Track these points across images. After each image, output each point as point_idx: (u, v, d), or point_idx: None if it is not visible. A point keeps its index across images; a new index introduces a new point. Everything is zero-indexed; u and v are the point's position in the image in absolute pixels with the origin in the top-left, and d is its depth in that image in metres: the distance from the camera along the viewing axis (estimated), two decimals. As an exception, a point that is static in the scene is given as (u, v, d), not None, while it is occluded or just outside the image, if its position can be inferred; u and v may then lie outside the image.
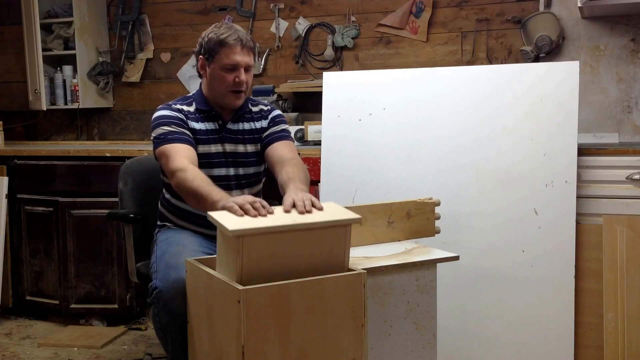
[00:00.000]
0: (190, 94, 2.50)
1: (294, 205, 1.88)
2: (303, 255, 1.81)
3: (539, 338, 2.68)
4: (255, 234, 1.73)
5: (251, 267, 1.74)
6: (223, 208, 1.89)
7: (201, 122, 2.40)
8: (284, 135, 2.46)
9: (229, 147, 2.42)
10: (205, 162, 2.36)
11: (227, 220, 1.78)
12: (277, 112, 2.54)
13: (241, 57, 2.31)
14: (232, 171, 2.43)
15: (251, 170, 2.47)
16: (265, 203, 1.86)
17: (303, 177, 2.18)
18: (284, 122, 2.51)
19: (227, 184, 2.39)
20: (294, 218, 1.82)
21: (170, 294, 2.10)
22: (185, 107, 2.41)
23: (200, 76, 2.45)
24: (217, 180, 2.34)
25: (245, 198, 1.87)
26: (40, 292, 3.69)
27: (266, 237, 1.75)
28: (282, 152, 2.38)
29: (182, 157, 2.22)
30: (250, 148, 2.46)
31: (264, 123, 2.48)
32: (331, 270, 1.82)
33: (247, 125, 2.47)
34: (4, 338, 3.48)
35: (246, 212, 1.81)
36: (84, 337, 3.43)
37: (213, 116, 2.42)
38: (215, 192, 2.03)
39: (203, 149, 2.38)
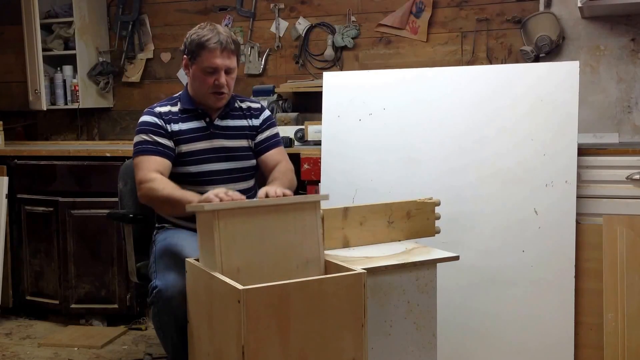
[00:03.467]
0: (177, 94, 2.51)
1: (267, 196, 2.02)
2: (278, 234, 1.91)
3: (539, 338, 2.68)
4: (229, 208, 1.87)
5: (229, 246, 1.82)
6: (200, 202, 1.98)
7: (188, 121, 2.42)
8: (277, 142, 2.55)
9: (218, 143, 2.44)
10: (194, 159, 2.38)
11: (204, 204, 1.91)
12: (268, 112, 2.59)
13: (221, 60, 2.32)
14: (224, 165, 2.44)
15: (243, 164, 2.49)
16: (239, 194, 1.98)
17: (286, 183, 2.32)
18: (275, 124, 2.59)
19: (219, 179, 2.41)
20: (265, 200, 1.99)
21: (169, 293, 2.10)
22: (170, 108, 2.43)
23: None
24: (208, 175, 2.39)
25: (220, 189, 1.99)
26: (41, 292, 3.69)
27: (240, 212, 1.87)
28: (276, 161, 2.49)
29: (151, 169, 2.28)
30: (241, 143, 2.49)
31: (256, 122, 2.52)
32: (308, 251, 1.94)
33: (238, 122, 2.49)
34: (4, 338, 3.48)
35: (221, 200, 1.93)
36: (84, 337, 3.43)
37: (199, 114, 2.44)
38: (189, 195, 2.14)
39: (191, 146, 2.39)
